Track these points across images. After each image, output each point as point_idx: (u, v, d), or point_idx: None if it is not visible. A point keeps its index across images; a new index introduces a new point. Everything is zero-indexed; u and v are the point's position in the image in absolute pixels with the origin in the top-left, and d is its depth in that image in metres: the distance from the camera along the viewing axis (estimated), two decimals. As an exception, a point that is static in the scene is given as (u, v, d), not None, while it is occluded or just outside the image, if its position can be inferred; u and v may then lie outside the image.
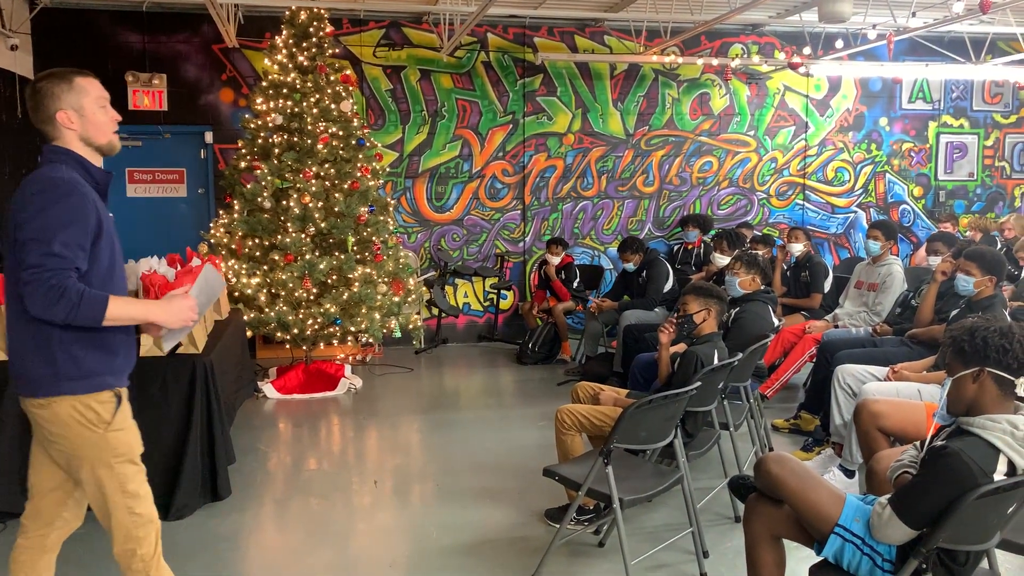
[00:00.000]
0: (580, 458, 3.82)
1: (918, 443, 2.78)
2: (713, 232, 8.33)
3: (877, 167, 9.60)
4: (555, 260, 8.06)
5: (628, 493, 3.32)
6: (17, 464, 4.05)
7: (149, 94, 7.80)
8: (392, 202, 7.34)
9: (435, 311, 8.57)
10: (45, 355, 2.41)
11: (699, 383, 3.56)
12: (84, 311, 2.32)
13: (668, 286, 7.17)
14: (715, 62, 8.41)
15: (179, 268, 4.84)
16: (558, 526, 3.77)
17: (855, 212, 9.62)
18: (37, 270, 2.28)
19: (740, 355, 4.12)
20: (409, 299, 6.96)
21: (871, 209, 9.64)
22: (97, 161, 2.55)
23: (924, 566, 2.42)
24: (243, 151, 6.78)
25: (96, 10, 7.78)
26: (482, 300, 8.96)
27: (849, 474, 4.42)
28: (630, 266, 7.32)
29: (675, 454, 3.62)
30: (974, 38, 8.69)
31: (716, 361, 3.95)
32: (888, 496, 2.55)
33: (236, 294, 6.36)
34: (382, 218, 6.86)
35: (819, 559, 2.70)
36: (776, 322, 5.25)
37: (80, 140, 2.49)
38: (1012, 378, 2.47)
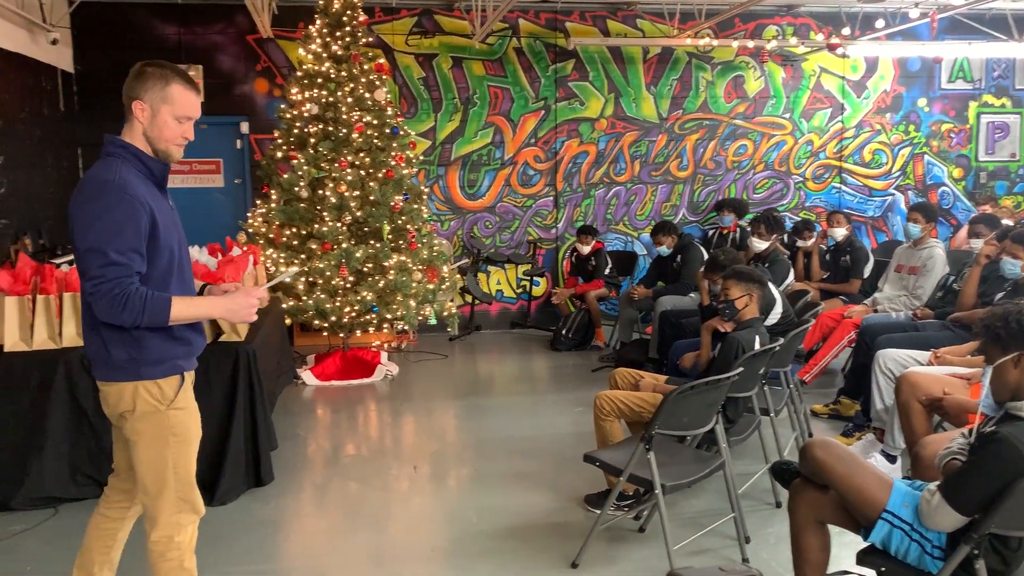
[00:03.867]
0: (620, 444, 3.82)
1: (966, 430, 2.75)
2: (750, 216, 8.26)
3: (915, 148, 9.43)
4: (585, 249, 8.04)
5: (670, 479, 3.32)
6: (67, 448, 4.16)
7: (186, 85, 7.86)
8: (425, 190, 7.36)
9: (468, 298, 8.60)
10: (125, 345, 2.48)
11: (741, 369, 3.54)
12: (149, 315, 2.38)
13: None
14: (750, 44, 8.31)
15: (220, 257, 4.91)
16: (598, 512, 3.78)
17: (893, 195, 9.47)
18: (98, 281, 2.35)
19: (782, 340, 4.09)
20: (443, 286, 6.99)
21: (909, 191, 9.48)
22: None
23: (975, 552, 2.40)
24: (279, 141, 6.83)
25: (133, 3, 7.87)
26: (515, 287, 8.97)
27: (891, 459, 4.38)
28: (664, 250, 7.28)
29: (716, 440, 3.61)
30: (1017, 15, 8.49)
31: (757, 346, 3.92)
32: (937, 483, 2.52)
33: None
34: (416, 206, 6.88)
35: (866, 544, 2.69)
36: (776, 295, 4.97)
37: (142, 136, 2.52)
38: None
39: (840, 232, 6.88)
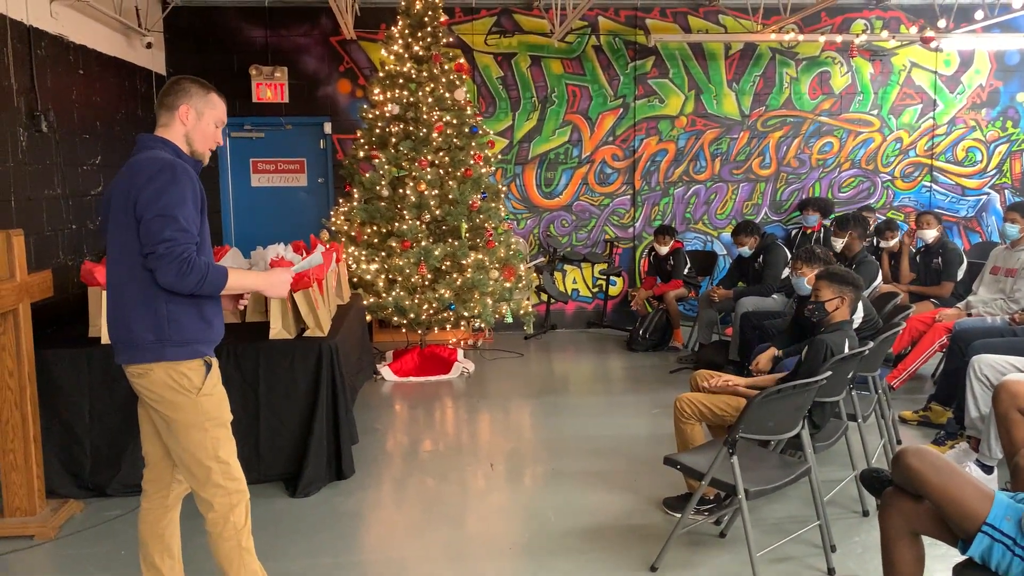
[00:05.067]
0: (702, 447, 3.76)
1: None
2: (834, 216, 8.03)
3: (1013, 146, 9.01)
4: (663, 250, 7.93)
5: (753, 484, 3.25)
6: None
7: (271, 86, 8.09)
8: (503, 189, 7.39)
9: (544, 297, 8.60)
10: (152, 324, 2.62)
11: (829, 372, 3.44)
12: (209, 282, 2.56)
13: (786, 272, 6.95)
14: (838, 39, 8.05)
15: (304, 255, 5.02)
16: (678, 515, 3.74)
17: (988, 194, 9.06)
18: (170, 243, 2.50)
19: (871, 343, 3.96)
20: (519, 285, 7.01)
21: (1006, 190, 9.06)
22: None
23: (1085, 570, 2.27)
24: (361, 141, 6.96)
25: (222, 7, 8.13)
26: (591, 286, 8.93)
27: (987, 470, 4.19)
28: (745, 250, 7.13)
29: (802, 445, 3.52)
30: None
31: (846, 350, 3.80)
32: (1043, 495, 2.40)
33: (356, 280, 6.56)
34: (494, 205, 6.92)
35: (963, 558, 2.57)
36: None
37: (183, 136, 2.74)
38: None
39: (931, 233, 6.61)
